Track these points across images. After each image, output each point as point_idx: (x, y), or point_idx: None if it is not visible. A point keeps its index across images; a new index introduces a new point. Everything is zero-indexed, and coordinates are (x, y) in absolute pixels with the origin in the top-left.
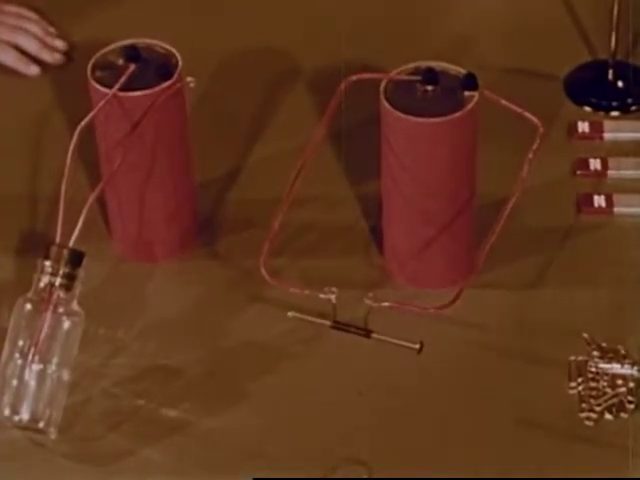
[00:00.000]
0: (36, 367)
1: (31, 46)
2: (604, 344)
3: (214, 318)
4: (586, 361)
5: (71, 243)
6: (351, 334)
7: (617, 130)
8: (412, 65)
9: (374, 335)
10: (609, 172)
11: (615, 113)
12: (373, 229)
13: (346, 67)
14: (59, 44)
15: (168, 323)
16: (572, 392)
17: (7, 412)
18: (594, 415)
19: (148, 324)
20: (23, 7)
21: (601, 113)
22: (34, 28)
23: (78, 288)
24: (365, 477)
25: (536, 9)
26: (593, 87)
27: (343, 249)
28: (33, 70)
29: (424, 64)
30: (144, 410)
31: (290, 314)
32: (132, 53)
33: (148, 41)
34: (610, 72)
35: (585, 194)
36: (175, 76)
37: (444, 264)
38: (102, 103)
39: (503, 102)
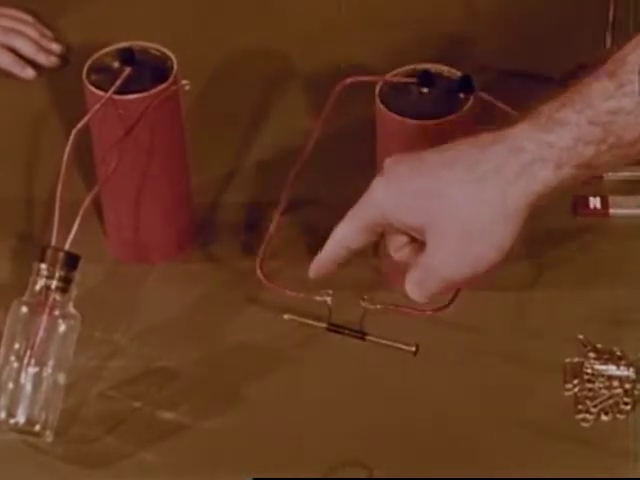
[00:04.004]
0: (32, 370)
1: (27, 49)
2: (600, 345)
3: (210, 320)
4: (582, 363)
5: (67, 246)
6: (347, 336)
7: None
8: (408, 67)
9: (370, 337)
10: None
11: None
12: None
13: (342, 69)
14: (55, 47)
15: (164, 325)
16: (568, 394)
17: (3, 415)
18: (590, 416)
19: (144, 326)
20: (19, 10)
21: None
22: (30, 31)
23: (74, 291)
24: (365, 478)
25: (532, 10)
26: None
27: None
28: (29, 73)
29: (420, 66)
30: (141, 412)
31: (286, 316)
32: (128, 56)
33: (144, 44)
34: None
35: (581, 196)
36: (170, 79)
37: None
38: (98, 106)
39: (499, 104)
